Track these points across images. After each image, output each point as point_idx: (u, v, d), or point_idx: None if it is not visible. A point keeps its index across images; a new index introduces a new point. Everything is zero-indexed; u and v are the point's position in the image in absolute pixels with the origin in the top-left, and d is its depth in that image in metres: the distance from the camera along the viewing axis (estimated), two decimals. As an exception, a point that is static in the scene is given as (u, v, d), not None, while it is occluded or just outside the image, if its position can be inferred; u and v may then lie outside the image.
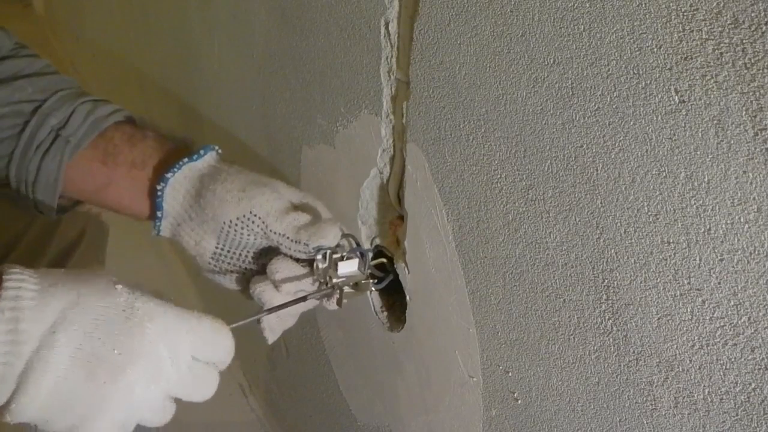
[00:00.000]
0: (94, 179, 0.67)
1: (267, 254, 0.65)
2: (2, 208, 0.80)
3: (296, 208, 0.63)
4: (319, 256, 0.61)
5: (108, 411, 0.46)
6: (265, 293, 0.61)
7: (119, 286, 0.47)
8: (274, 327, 0.63)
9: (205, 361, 0.51)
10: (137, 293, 0.48)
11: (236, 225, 0.62)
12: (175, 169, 0.64)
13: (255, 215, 0.61)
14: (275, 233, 0.61)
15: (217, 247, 0.64)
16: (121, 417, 0.47)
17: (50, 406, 0.46)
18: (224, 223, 0.62)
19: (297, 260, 0.63)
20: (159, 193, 0.64)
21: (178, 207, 0.64)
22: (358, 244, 0.64)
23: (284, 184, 0.65)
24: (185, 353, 0.49)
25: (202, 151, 0.65)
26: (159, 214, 0.64)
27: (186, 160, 0.64)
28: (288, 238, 0.61)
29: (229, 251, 0.64)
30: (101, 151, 0.66)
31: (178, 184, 0.64)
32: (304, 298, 0.61)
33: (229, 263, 0.65)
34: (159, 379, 0.48)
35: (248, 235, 0.62)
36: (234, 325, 0.54)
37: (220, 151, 0.67)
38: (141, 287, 0.50)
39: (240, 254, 0.65)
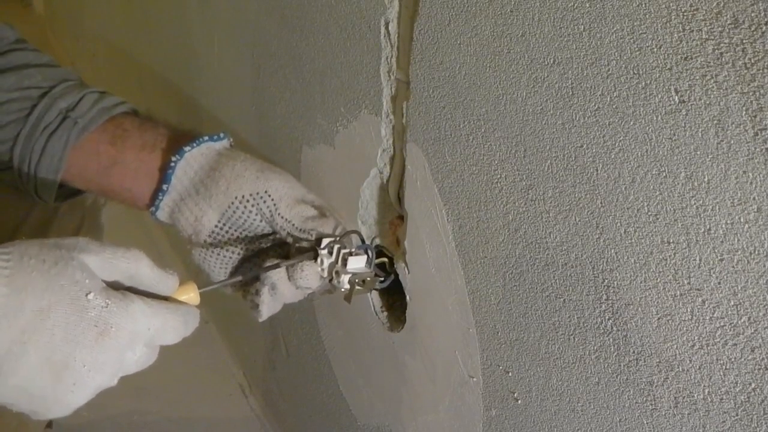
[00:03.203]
0: (99, 159, 0.67)
1: (259, 240, 0.66)
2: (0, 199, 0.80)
3: (304, 202, 0.65)
4: (325, 251, 0.61)
5: (71, 405, 0.48)
6: (280, 281, 0.62)
7: (91, 295, 0.46)
8: (269, 304, 0.64)
9: (163, 344, 0.52)
10: (109, 302, 0.47)
11: (247, 201, 0.63)
12: (194, 144, 0.65)
13: (269, 196, 0.63)
14: (282, 218, 0.63)
15: (216, 226, 0.64)
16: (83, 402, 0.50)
17: (14, 397, 0.46)
18: (236, 197, 0.63)
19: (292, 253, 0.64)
20: (172, 164, 0.64)
21: (187, 181, 0.65)
22: (363, 241, 0.64)
23: (295, 179, 0.67)
24: (145, 345, 0.50)
25: (222, 134, 0.66)
26: (165, 187, 0.64)
27: (206, 138, 0.65)
28: (294, 225, 0.63)
29: (228, 231, 0.65)
30: (110, 134, 0.67)
31: (194, 159, 0.64)
32: (277, 265, 0.61)
33: (224, 244, 0.66)
34: (120, 372, 0.50)
35: (255, 214, 0.63)
36: (213, 286, 0.59)
37: (232, 142, 0.68)
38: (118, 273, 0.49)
39: (237, 236, 0.65)
